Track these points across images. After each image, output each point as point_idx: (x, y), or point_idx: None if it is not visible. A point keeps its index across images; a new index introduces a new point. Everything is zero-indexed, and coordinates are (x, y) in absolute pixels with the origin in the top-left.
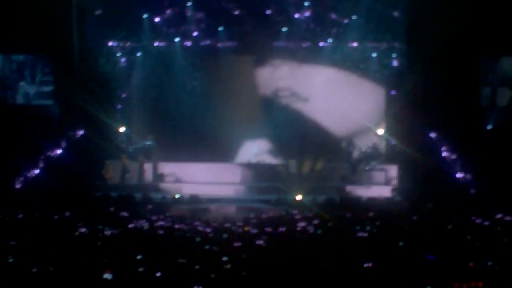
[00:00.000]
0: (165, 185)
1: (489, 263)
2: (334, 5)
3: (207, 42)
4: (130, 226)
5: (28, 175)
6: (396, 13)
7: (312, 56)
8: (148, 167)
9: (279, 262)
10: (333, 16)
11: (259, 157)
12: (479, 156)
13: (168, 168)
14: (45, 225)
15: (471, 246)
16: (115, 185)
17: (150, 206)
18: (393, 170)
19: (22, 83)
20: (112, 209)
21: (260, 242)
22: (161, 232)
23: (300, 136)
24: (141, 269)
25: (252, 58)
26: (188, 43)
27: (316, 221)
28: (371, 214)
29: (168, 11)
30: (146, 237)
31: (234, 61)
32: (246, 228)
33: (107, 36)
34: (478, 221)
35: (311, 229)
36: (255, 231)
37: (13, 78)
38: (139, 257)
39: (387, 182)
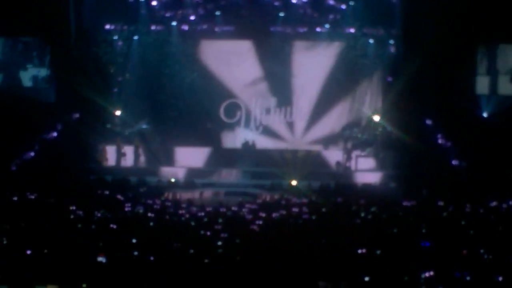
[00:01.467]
0: (160, 169)
1: (482, 251)
2: None
3: (204, 26)
4: (125, 209)
5: (24, 157)
6: (393, 0)
7: (309, 41)
8: (143, 150)
9: (274, 247)
10: (331, 1)
11: (254, 143)
12: (474, 144)
13: (163, 151)
14: (40, 208)
15: (465, 234)
16: (110, 168)
17: (145, 190)
18: (388, 157)
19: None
20: (107, 192)
21: (254, 227)
22: (155, 216)
23: (296, 122)
24: (135, 253)
25: (249, 43)
26: (185, 27)
27: (311, 207)
28: (365, 200)
29: None
30: (141, 221)
31: (231, 45)
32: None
33: (104, 19)
34: (473, 208)
35: (305, 214)
36: (249, 216)
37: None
38: (133, 240)
39: (382, 168)
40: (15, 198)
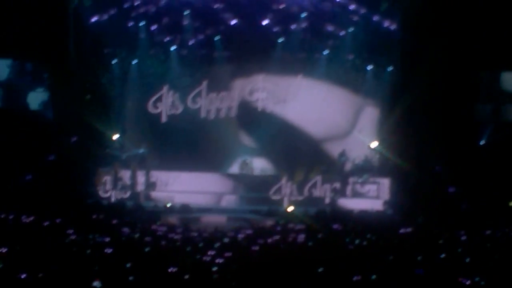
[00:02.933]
0: (156, 194)
1: (477, 279)
2: (331, 17)
3: (203, 51)
4: (121, 234)
5: (21, 180)
6: (392, 26)
7: (308, 67)
8: (140, 175)
9: (270, 273)
10: (330, 28)
11: (251, 168)
12: (471, 172)
13: (160, 176)
14: (35, 231)
15: (460, 261)
16: (106, 192)
17: (141, 215)
18: (385, 184)
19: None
20: (102, 216)
21: (250, 252)
22: (151, 240)
23: (293, 148)
24: (130, 278)
25: (247, 68)
26: (184, 52)
27: (307, 233)
28: (361, 227)
29: (165, 20)
30: (137, 246)
31: (229, 71)
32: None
33: (103, 43)
34: (469, 236)
35: (301, 240)
36: (246, 241)
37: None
38: (128, 265)
39: (379, 195)
40: (11, 221)
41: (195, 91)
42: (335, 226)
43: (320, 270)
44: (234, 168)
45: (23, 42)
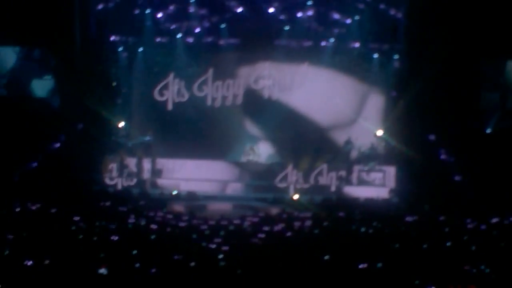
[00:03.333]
0: (163, 181)
1: (482, 267)
2: (337, 5)
3: (209, 39)
4: (127, 221)
5: (27, 168)
6: (398, 15)
7: (314, 55)
8: (146, 162)
9: (275, 261)
10: (336, 16)
11: (257, 154)
12: (477, 160)
13: (166, 164)
14: (41, 218)
15: (466, 249)
16: (112, 180)
17: (147, 202)
18: (391, 172)
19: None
20: (109, 204)
21: (256, 240)
22: (157, 228)
23: (298, 136)
24: (136, 265)
25: (253, 56)
26: (190, 40)
27: (313, 221)
28: (367, 215)
29: (171, 7)
30: (143, 233)
31: (235, 59)
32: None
33: (109, 30)
34: (475, 224)
35: (307, 228)
36: (251, 229)
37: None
38: (134, 252)
39: (384, 183)
40: (17, 209)
41: (201, 79)
42: (341, 214)
43: (326, 258)
44: (240, 156)
45: (29, 29)
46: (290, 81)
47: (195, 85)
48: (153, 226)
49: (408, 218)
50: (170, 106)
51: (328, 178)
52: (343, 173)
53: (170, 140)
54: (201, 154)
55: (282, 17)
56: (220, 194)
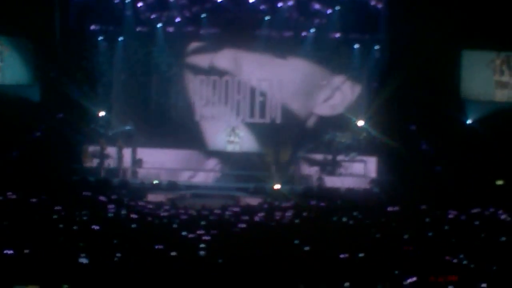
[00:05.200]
0: (143, 171)
1: (461, 256)
2: None
3: (190, 28)
4: (107, 211)
5: (7, 156)
6: (379, 5)
7: (294, 45)
8: (126, 152)
9: (257, 251)
10: (316, 6)
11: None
12: (458, 150)
13: (147, 153)
14: (21, 208)
15: (447, 240)
16: (93, 169)
17: (127, 191)
18: (372, 162)
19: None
20: (89, 193)
21: (237, 230)
22: (138, 217)
23: (279, 126)
24: (117, 254)
25: (234, 46)
26: (171, 29)
27: (294, 211)
28: (348, 205)
29: None
30: (123, 222)
31: (216, 48)
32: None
33: (89, 20)
34: (455, 214)
35: (288, 218)
36: (232, 219)
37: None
38: (115, 242)
39: (365, 174)
40: None
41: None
42: (322, 204)
43: (306, 248)
44: (221, 145)
45: (9, 18)
46: (270, 71)
47: (176, 74)
48: (134, 216)
49: (389, 208)
50: (151, 95)
51: (309, 168)
52: (324, 163)
53: (151, 130)
54: (182, 143)
55: (262, 7)
56: (201, 183)
